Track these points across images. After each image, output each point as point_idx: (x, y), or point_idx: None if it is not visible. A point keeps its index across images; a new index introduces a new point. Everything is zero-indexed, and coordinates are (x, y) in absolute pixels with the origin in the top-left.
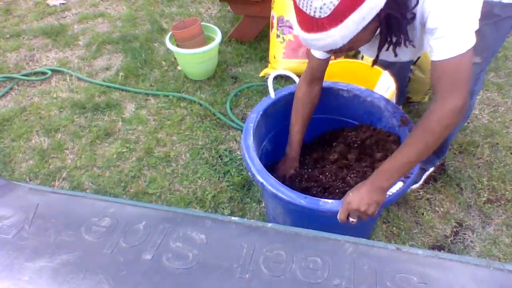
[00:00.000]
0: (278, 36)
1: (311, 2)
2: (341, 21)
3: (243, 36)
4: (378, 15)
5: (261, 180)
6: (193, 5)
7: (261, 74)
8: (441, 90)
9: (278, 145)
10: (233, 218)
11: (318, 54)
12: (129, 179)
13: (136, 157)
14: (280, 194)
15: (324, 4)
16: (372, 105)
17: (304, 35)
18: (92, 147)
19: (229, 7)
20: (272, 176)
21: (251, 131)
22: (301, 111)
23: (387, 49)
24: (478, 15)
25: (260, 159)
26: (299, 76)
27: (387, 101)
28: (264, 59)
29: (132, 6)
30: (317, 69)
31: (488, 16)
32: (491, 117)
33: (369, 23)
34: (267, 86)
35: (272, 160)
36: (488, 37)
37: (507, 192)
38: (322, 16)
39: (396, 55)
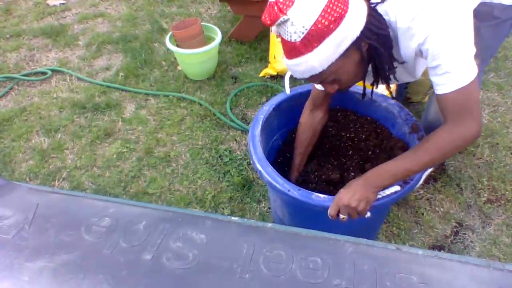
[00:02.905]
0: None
1: (286, 27)
2: (316, 46)
3: (243, 36)
4: (355, 44)
5: (260, 168)
6: (193, 5)
7: (261, 74)
8: (453, 117)
9: (291, 142)
10: (233, 218)
11: (318, 85)
12: (129, 179)
13: (136, 157)
14: (275, 184)
15: (297, 28)
16: (387, 110)
17: (286, 61)
18: (92, 147)
19: (229, 7)
20: (271, 166)
21: (260, 122)
22: (301, 136)
23: (378, 82)
24: (472, 39)
25: (269, 152)
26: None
27: (401, 107)
28: (264, 59)
29: (132, 6)
30: (317, 98)
31: (488, 18)
32: (491, 117)
33: (348, 51)
34: (267, 85)
35: (283, 156)
36: (487, 39)
37: (507, 192)
38: (297, 41)
39: (388, 84)
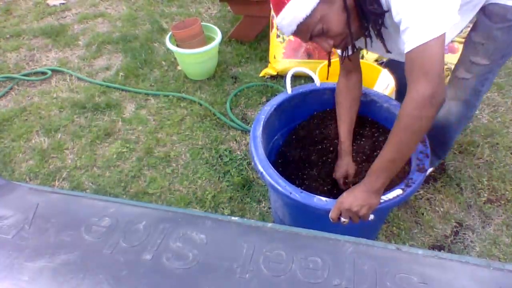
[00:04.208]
0: (278, 36)
1: None
2: None
3: (243, 36)
4: None
5: (261, 169)
6: (193, 5)
7: (261, 74)
8: (409, 81)
9: (291, 142)
10: (233, 218)
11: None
12: (129, 179)
13: (136, 157)
14: (276, 186)
15: None
16: (389, 111)
17: (276, 21)
18: (92, 147)
19: (229, 7)
20: (272, 167)
21: (261, 123)
22: (343, 104)
23: (369, 35)
24: (451, 2)
25: (270, 152)
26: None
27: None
28: (264, 59)
29: (132, 6)
30: (347, 63)
31: (502, 20)
32: (491, 117)
33: None
34: (267, 85)
35: (283, 156)
36: (498, 40)
37: (507, 192)
38: None
39: (386, 47)
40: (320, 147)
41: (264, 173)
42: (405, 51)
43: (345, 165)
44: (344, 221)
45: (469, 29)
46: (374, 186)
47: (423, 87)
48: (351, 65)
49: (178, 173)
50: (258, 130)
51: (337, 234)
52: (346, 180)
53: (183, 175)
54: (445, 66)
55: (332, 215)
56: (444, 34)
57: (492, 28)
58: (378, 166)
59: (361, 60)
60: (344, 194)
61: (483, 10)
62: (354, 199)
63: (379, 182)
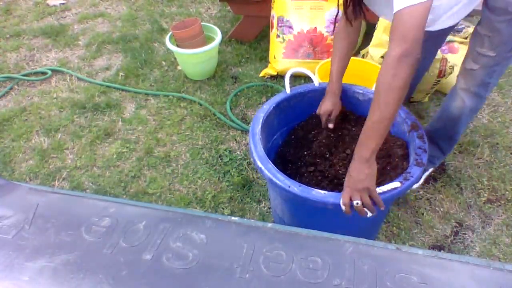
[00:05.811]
0: (278, 36)
1: None
2: None
3: (243, 36)
4: None
5: (260, 165)
6: (193, 5)
7: (261, 74)
8: (389, 41)
9: (290, 142)
10: (233, 218)
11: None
12: (129, 179)
13: (136, 157)
14: (275, 180)
15: None
16: None
17: None
18: (92, 147)
19: (229, 7)
20: (271, 162)
21: (260, 120)
22: (337, 44)
23: None
24: None
25: (269, 151)
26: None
27: (400, 106)
28: (264, 59)
29: (132, 6)
30: (348, 14)
31: (504, 13)
32: (491, 117)
33: None
34: (267, 85)
35: (282, 156)
36: (502, 33)
37: (507, 192)
38: None
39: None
40: (319, 147)
41: (262, 168)
42: (393, 12)
43: (331, 103)
44: (357, 204)
45: (468, 28)
46: (365, 154)
47: (398, 48)
48: (353, 17)
49: (178, 173)
50: (257, 127)
51: (337, 234)
52: (329, 118)
53: (183, 175)
54: (449, 64)
55: (343, 200)
56: (430, 1)
57: (496, 21)
58: (365, 132)
59: (361, 59)
60: (345, 179)
61: (486, 4)
62: (355, 175)
63: (369, 149)
